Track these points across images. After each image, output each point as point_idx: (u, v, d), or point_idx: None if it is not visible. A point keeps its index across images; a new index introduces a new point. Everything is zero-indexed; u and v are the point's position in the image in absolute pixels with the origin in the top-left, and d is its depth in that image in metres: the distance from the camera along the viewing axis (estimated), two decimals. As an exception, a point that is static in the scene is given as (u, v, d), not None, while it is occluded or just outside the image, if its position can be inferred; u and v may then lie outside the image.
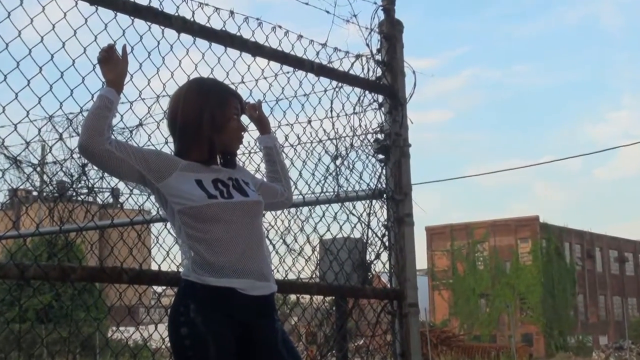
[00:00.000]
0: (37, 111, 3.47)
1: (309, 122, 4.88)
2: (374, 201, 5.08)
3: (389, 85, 5.12)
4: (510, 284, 55.76)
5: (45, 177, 7.90)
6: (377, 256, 5.10)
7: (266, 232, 4.38)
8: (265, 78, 4.55)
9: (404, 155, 5.08)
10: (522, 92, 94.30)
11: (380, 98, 5.17)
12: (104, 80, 3.02)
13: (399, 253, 5.01)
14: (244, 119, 3.34)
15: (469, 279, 56.84)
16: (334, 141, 5.02)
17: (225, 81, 3.67)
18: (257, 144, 3.77)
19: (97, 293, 4.38)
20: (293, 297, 5.69)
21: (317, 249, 4.99)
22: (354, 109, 5.07)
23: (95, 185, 6.61)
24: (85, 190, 7.06)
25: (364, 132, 5.13)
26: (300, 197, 4.83)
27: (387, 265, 5.11)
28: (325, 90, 4.92)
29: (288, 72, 4.63)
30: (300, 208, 4.97)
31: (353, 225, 5.00)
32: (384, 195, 5.09)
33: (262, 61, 4.42)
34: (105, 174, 5.33)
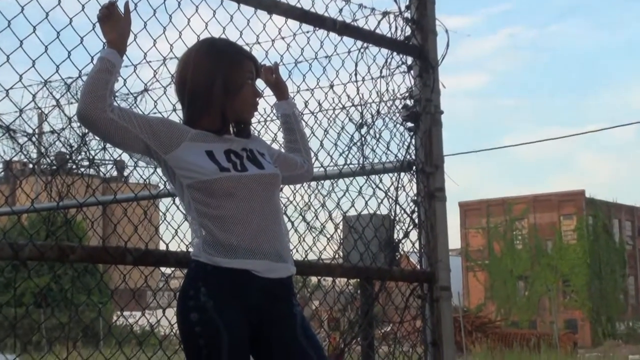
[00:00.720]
0: (32, 75, 3.48)
1: (331, 86, 4.87)
2: (402, 174, 5.08)
3: (418, 46, 5.09)
4: (552, 265, 55.65)
5: (41, 148, 7.95)
6: (406, 235, 5.11)
7: (284, 208, 4.38)
8: (282, 38, 4.53)
9: (435, 124, 5.06)
10: (566, 54, 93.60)
11: (410, 60, 5.14)
12: (104, 40, 3.01)
13: (429, 231, 5.01)
14: (260, 84, 3.33)
15: (506, 260, 56.77)
16: (359, 108, 5.00)
17: (238, 42, 3.66)
18: (274, 111, 3.76)
19: (100, 275, 4.41)
20: (314, 279, 5.72)
21: (340, 226, 5.00)
22: (381, 72, 5.06)
23: (96, 157, 6.66)
24: (85, 163, 7.10)
25: (392, 97, 5.12)
26: (322, 169, 4.83)
27: (416, 245, 5.11)
28: (349, 52, 4.91)
29: (308, 32, 4.61)
30: (322, 182, 4.97)
31: (379, 201, 5.00)
32: (414, 168, 5.08)
33: (279, 19, 4.40)
34: (108, 145, 5.37)
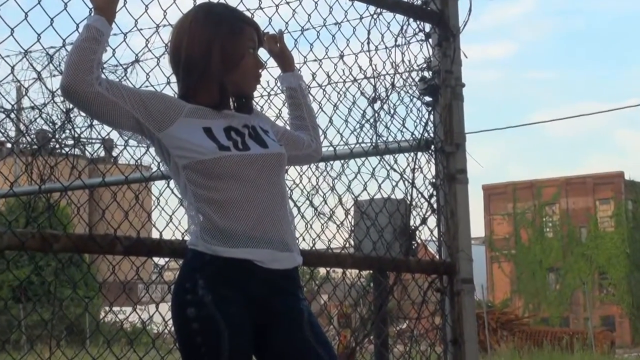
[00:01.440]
0: (10, 45, 3.50)
1: (341, 57, 4.87)
2: (419, 154, 5.08)
3: (438, 11, 5.08)
4: (586, 255, 55.60)
5: (21, 125, 7.98)
6: (424, 221, 5.12)
7: (290, 191, 4.40)
8: (287, 3, 4.54)
9: (456, 98, 5.07)
10: (602, 20, 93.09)
11: (428, 27, 5.14)
12: (91, 6, 3.02)
13: (449, 217, 5.02)
14: (262, 54, 3.34)
15: (535, 249, 56.75)
16: (371, 80, 5.01)
17: (239, 7, 3.67)
18: (279, 83, 3.77)
19: (86, 266, 4.43)
20: (322, 271, 5.74)
21: (352, 212, 5.01)
22: (396, 40, 5.06)
23: (82, 136, 6.68)
24: (70, 142, 7.13)
25: (408, 69, 5.12)
26: (331, 149, 4.85)
27: (435, 233, 5.12)
28: (361, 18, 4.91)
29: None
30: (331, 162, 4.98)
31: (394, 184, 5.01)
32: (432, 147, 5.09)
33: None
34: (95, 122, 5.39)
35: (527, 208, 57.39)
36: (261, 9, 4.30)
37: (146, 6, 3.81)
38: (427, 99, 5.11)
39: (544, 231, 57.77)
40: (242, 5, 4.05)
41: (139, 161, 4.52)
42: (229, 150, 2.98)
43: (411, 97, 5.12)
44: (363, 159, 4.94)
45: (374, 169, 4.90)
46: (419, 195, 5.10)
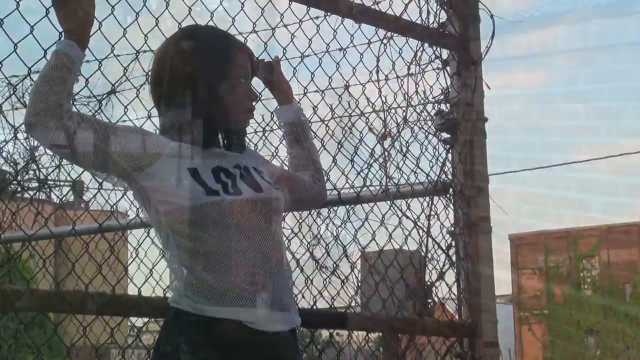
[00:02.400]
0: (-34, 74, 3.51)
1: (347, 87, 4.89)
2: (435, 198, 5.09)
3: (456, 35, 5.12)
4: (631, 315, 55.41)
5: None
6: (441, 276, 5.12)
7: (287, 241, 4.41)
8: (285, 26, 4.57)
9: (478, 134, 5.08)
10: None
11: (445, 53, 5.17)
12: (61, 30, 3.04)
13: (470, 272, 5.02)
14: (256, 83, 3.37)
15: (571, 309, 56.56)
16: (381, 114, 5.03)
17: (229, 30, 3.70)
18: (275, 118, 3.79)
19: (52, 328, 4.44)
20: (324, 333, 5.72)
21: (358, 265, 5.01)
22: (409, 68, 5.09)
23: (49, 177, 6.69)
24: (35, 184, 7.14)
25: (422, 101, 5.14)
26: (335, 192, 4.85)
27: (454, 289, 5.12)
28: (369, 43, 4.93)
29: (317, 17, 4.65)
30: (335, 208, 4.99)
31: (407, 233, 5.02)
32: (450, 190, 5.10)
33: (282, 2, 4.44)
34: (64, 161, 5.41)
35: (561, 261, 57.25)
36: (255, 32, 4.32)
37: (124, 29, 3.83)
38: (445, 135, 5.13)
39: (581, 288, 57.59)
40: (234, 28, 4.08)
41: (114, 207, 4.54)
42: (218, 194, 2.99)
43: (426, 133, 5.13)
44: (371, 204, 4.94)
45: (383, 216, 4.90)
46: (436, 246, 5.10)
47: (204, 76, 3.08)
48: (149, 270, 4.25)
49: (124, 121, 4.01)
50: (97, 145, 2.94)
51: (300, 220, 4.79)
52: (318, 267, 4.82)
